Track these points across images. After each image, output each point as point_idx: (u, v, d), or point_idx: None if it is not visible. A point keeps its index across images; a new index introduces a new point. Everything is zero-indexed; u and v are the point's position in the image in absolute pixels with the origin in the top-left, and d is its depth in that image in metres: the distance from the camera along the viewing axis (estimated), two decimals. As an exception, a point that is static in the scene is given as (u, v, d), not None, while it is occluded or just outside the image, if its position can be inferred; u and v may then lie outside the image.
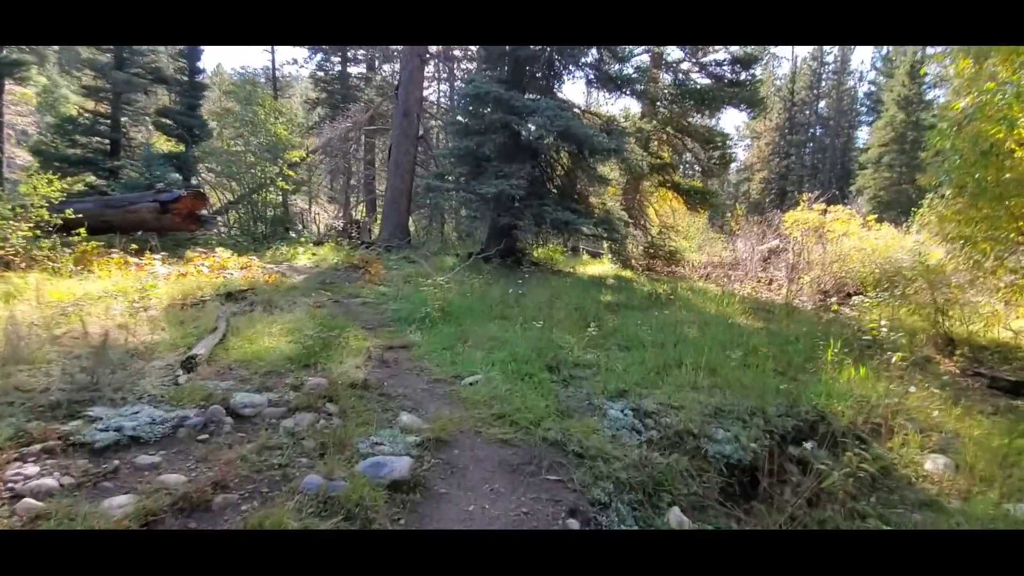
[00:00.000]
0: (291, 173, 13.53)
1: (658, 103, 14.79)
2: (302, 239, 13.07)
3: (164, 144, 19.60)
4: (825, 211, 13.59)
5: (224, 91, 17.62)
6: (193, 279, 6.76)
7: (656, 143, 15.01)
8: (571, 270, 13.64)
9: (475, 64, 20.12)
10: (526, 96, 11.78)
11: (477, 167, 11.69)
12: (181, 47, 19.44)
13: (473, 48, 20.88)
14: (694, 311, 8.36)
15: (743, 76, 13.98)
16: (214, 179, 15.09)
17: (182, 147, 17.70)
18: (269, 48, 22.03)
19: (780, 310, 9.67)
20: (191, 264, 8.57)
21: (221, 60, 38.46)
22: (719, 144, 13.93)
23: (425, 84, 25.22)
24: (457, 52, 20.83)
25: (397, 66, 19.59)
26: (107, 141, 17.52)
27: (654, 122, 13.89)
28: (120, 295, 5.67)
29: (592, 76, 13.29)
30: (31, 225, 6.72)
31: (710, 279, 15.60)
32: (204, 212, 10.73)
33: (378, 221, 15.93)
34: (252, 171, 13.02)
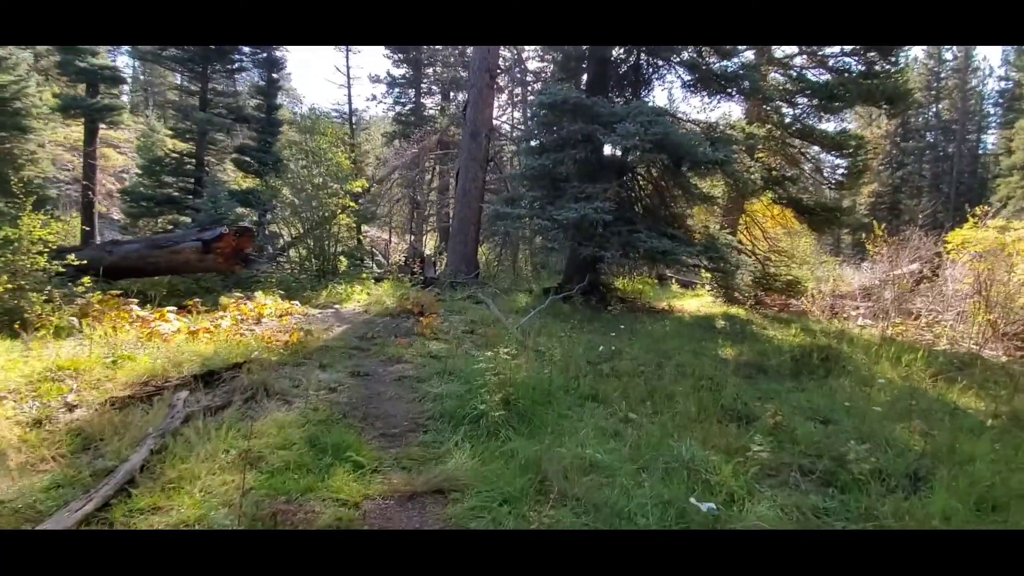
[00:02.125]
0: (353, 204, 12.11)
1: (767, 105, 12.06)
2: (364, 275, 11.54)
3: (242, 180, 19.35)
4: (1004, 228, 10.14)
5: (291, 125, 16.87)
6: (187, 345, 5.09)
7: (764, 153, 12.23)
8: (666, 307, 11.09)
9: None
10: (611, 102, 9.60)
11: (554, 189, 9.59)
12: (261, 85, 19.26)
13: (549, 66, 19.10)
14: (871, 380, 5.63)
15: (879, 66, 10.97)
16: (287, 215, 14.00)
17: (258, 182, 17.15)
18: (345, 83, 21.44)
19: (978, 368, 6.63)
20: (222, 313, 7.05)
21: (303, 94, 39.58)
22: (852, 150, 10.92)
23: (497, 111, 23.84)
24: (531, 71, 19.09)
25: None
26: (192, 180, 17.35)
27: (767, 127, 11.17)
28: (73, 374, 4.02)
29: (688, 77, 10.88)
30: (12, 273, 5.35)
31: (837, 315, 12.43)
32: (250, 250, 9.39)
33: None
34: (313, 203, 11.70)
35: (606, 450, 3.35)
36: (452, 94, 24.23)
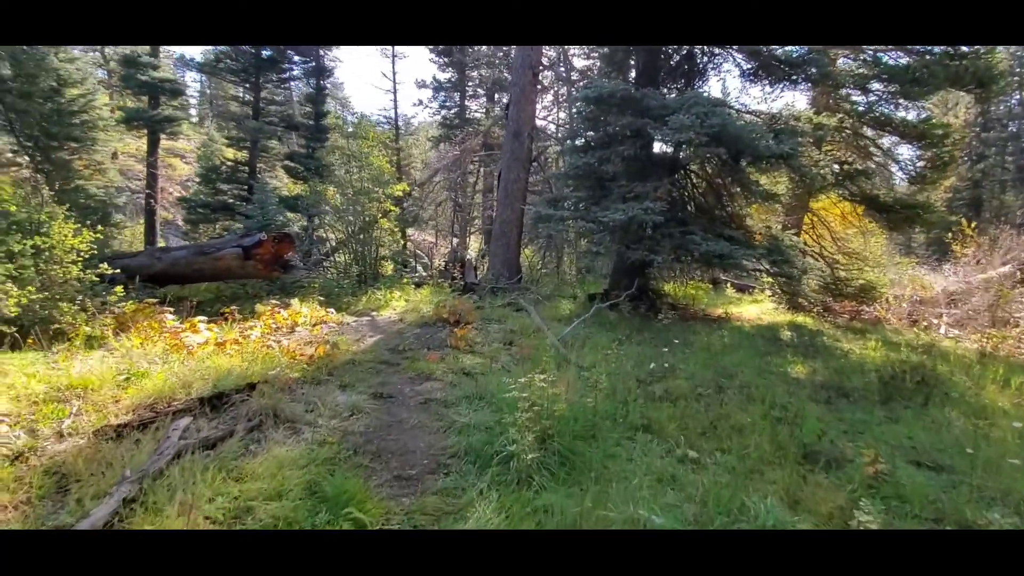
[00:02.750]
0: (393, 208, 11.82)
1: (837, 93, 10.86)
2: (404, 280, 11.22)
3: (292, 186, 19.60)
4: None
5: (336, 130, 16.84)
6: (210, 359, 4.76)
7: (832, 145, 11.03)
8: (722, 314, 10.14)
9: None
10: (661, 95, 8.80)
11: (599, 189, 8.89)
12: (311, 92, 19.47)
13: (596, 63, 18.32)
14: (983, 411, 4.66)
15: (966, 46, 9.60)
16: (332, 219, 13.90)
17: (306, 188, 17.27)
18: (392, 89, 21.40)
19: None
20: (255, 323, 6.80)
21: (352, 101, 40.17)
22: (937, 140, 9.62)
23: (542, 112, 23.20)
24: (576, 69, 18.36)
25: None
26: (245, 187, 17.69)
27: (838, 116, 10.03)
28: (82, 393, 3.74)
29: (748, 65, 9.92)
30: (44, 283, 5.20)
31: (916, 324, 11.08)
32: (290, 256, 9.19)
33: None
34: (354, 208, 11.47)
35: (663, 507, 2.68)
36: (497, 95, 23.79)
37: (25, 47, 7.63)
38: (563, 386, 3.61)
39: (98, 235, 5.73)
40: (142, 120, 16.70)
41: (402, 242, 18.30)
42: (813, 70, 9.25)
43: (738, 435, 3.87)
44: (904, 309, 11.59)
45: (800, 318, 9.88)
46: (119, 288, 5.99)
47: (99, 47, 29.12)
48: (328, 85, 27.62)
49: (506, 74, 22.50)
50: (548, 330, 7.11)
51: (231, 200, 17.54)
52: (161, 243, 19.81)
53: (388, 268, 14.92)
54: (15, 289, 4.72)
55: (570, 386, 3.92)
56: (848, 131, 10.79)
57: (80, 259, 5.69)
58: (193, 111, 40.58)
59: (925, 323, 10.99)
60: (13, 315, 4.68)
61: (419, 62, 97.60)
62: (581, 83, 19.36)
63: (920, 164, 10.64)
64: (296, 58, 18.51)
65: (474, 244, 21.34)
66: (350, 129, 12.51)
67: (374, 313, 8.49)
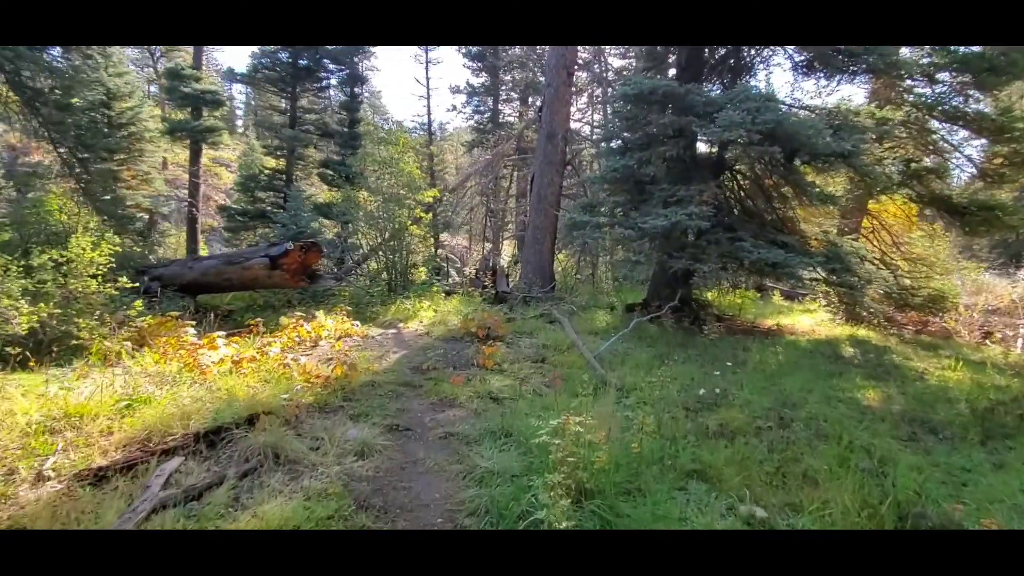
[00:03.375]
0: (424, 215, 11.47)
1: (898, 86, 9.86)
2: (435, 288, 10.82)
3: (328, 194, 19.61)
4: None
5: (367, 137, 16.65)
6: (222, 380, 4.42)
7: (894, 142, 10.01)
8: (773, 326, 9.30)
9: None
10: (708, 90, 8.10)
11: (638, 193, 8.24)
12: (345, 100, 19.47)
13: (633, 62, 17.60)
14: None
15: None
16: (363, 226, 13.66)
17: (338, 195, 17.21)
18: (425, 94, 21.22)
19: None
20: (279, 335, 6.49)
21: (388, 108, 40.30)
22: (1020, 134, 8.52)
23: (577, 114, 22.55)
24: (613, 68, 17.69)
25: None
26: (281, 194, 17.78)
27: (904, 110, 9.06)
28: (78, 421, 3.41)
29: (801, 57, 9.07)
30: (63, 298, 4.99)
31: (990, 337, 9.95)
32: (318, 266, 8.92)
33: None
34: (385, 214, 11.17)
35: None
36: (530, 99, 23.27)
37: (63, 60, 7.58)
38: (602, 432, 3.03)
39: (116, 248, 5.49)
40: (185, 131, 16.98)
41: (434, 248, 18.04)
42: (874, 59, 8.35)
43: (812, 486, 3.22)
44: (976, 321, 10.44)
45: (861, 331, 8.94)
46: (138, 303, 5.74)
47: (151, 64, 30.27)
48: (365, 94, 27.81)
49: (540, 77, 21.98)
50: (583, 346, 6.53)
51: (268, 208, 17.66)
52: (203, 250, 20.18)
53: (420, 274, 14.62)
54: (26, 307, 4.50)
55: (610, 428, 3.33)
56: (914, 126, 9.78)
57: (100, 272, 5.47)
58: (239, 122, 41.81)
59: (1000, 337, 9.86)
60: (24, 333, 4.45)
61: (453, 67, 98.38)
62: (617, 82, 18.65)
63: (996, 161, 9.52)
64: (332, 67, 18.51)
65: (507, 250, 20.89)
66: (381, 135, 12.22)
67: (401, 325, 8.09)
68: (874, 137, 8.63)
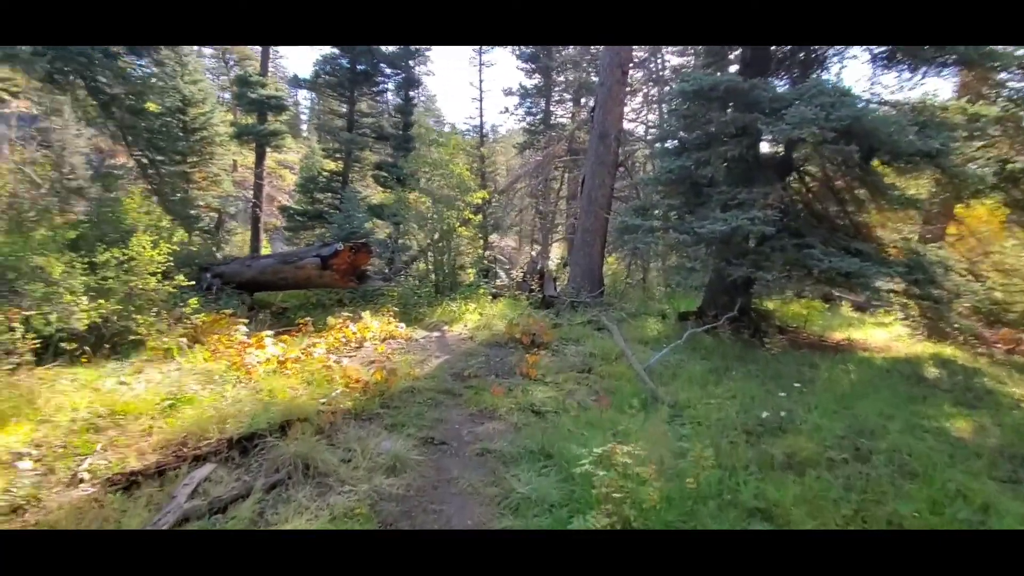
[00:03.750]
0: (473, 216, 11.35)
1: (991, 79, 8.82)
2: (481, 290, 10.67)
3: (381, 195, 19.94)
4: None
5: (419, 139, 16.78)
6: (266, 380, 4.40)
7: (986, 141, 8.95)
8: (843, 341, 8.53)
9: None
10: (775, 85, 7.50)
11: (695, 195, 7.74)
12: (400, 104, 19.74)
13: (692, 59, 16.87)
14: None
15: None
16: (413, 227, 13.73)
17: (392, 197, 17.44)
18: (478, 97, 21.21)
19: None
20: (325, 335, 6.50)
21: (440, 109, 40.55)
22: None
23: (631, 114, 21.91)
24: (670, 65, 17.02)
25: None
26: (338, 196, 18.23)
27: (998, 105, 8.08)
28: (123, 419, 3.43)
29: (879, 49, 8.25)
30: (124, 295, 5.14)
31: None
32: (366, 267, 8.95)
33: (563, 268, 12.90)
34: (433, 216, 11.14)
35: None
36: (583, 99, 22.83)
37: (136, 67, 7.97)
38: (653, 464, 2.70)
39: (174, 247, 5.62)
40: (251, 134, 17.72)
41: (482, 250, 17.94)
42: (967, 50, 7.46)
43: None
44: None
45: (946, 349, 8.03)
46: (193, 300, 5.86)
47: (226, 72, 31.99)
48: (420, 97, 28.21)
49: (593, 77, 21.53)
50: (633, 356, 6.15)
51: (325, 208, 18.16)
52: (266, 248, 21.03)
53: (469, 275, 14.54)
54: (85, 303, 4.65)
55: (662, 458, 2.99)
56: (1010, 123, 8.71)
57: (159, 270, 5.62)
58: (304, 127, 43.57)
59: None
60: (82, 329, 4.60)
61: (507, 69, 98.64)
62: (675, 80, 17.91)
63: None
64: (388, 71, 18.82)
65: (556, 252, 20.55)
66: (433, 136, 12.18)
67: (445, 328, 7.97)
68: (965, 135, 7.73)
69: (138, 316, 5.23)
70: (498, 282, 17.00)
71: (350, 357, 5.91)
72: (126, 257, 5.30)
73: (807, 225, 7.72)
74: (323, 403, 4.06)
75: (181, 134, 17.03)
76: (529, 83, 23.55)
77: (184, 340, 5.55)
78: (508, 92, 24.14)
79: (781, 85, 7.75)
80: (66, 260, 4.83)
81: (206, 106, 17.41)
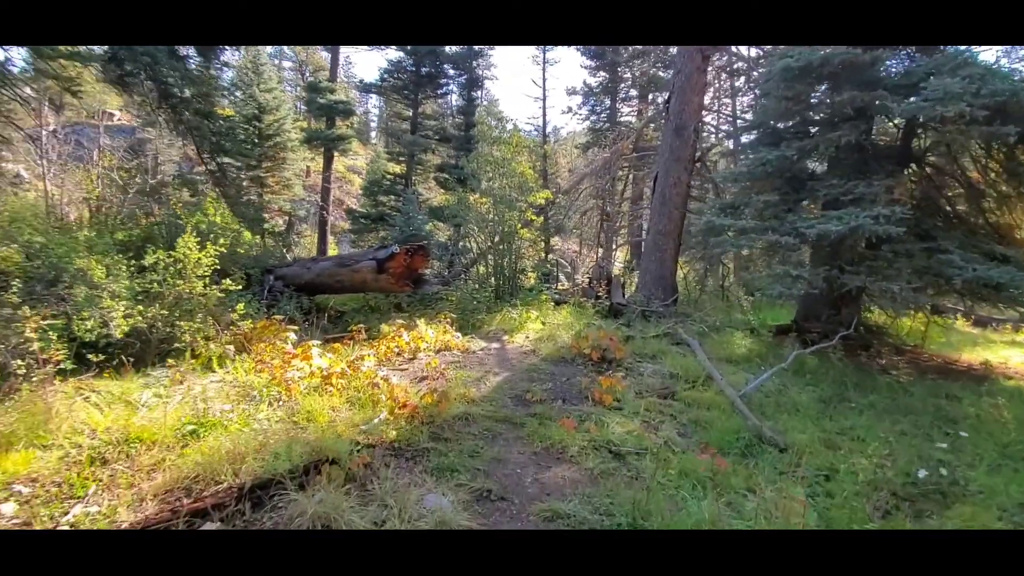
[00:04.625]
0: (535, 218, 10.58)
1: None
2: (543, 296, 9.87)
3: (443, 197, 19.62)
4: None
5: (482, 139, 16.17)
6: (306, 399, 3.83)
7: None
8: (979, 365, 6.99)
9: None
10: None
11: (794, 191, 6.55)
12: (463, 105, 19.35)
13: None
14: None
15: None
16: (474, 229, 13.14)
17: (452, 199, 17.04)
18: (540, 96, 20.46)
19: None
20: (377, 345, 5.96)
21: (502, 110, 39.86)
22: None
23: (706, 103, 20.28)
24: (747, 56, 15.50)
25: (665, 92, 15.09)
26: (400, 198, 18.09)
27: None
28: (136, 448, 2.92)
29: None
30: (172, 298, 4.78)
31: None
32: (423, 270, 8.39)
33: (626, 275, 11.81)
34: (494, 217, 10.47)
35: None
36: (651, 95, 21.50)
37: (200, 68, 7.84)
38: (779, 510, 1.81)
39: (220, 248, 5.23)
40: (319, 139, 17.92)
41: (544, 253, 17.12)
42: None
43: None
44: None
45: (1122, 380, 6.35)
46: (240, 306, 5.46)
47: (303, 82, 33.15)
48: (483, 100, 27.88)
49: (661, 72, 20.18)
50: (724, 381, 5.13)
51: (388, 211, 18.06)
52: (333, 251, 21.31)
53: (530, 279, 13.77)
54: (122, 309, 4.28)
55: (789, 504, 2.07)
56: None
57: (206, 273, 5.25)
58: (373, 132, 44.61)
59: None
60: (119, 336, 4.23)
61: (570, 68, 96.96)
62: (760, 63, 16.26)
63: None
64: (451, 72, 18.49)
65: (620, 257, 19.38)
66: (495, 134, 11.47)
67: (505, 337, 7.23)
68: None
69: (183, 323, 4.85)
70: (559, 285, 16.13)
71: (402, 370, 5.29)
72: (171, 259, 4.95)
73: (939, 226, 6.34)
74: (363, 430, 3.41)
75: (256, 140, 17.54)
76: (593, 81, 22.50)
77: (232, 348, 5.14)
78: (571, 91, 23.22)
79: (911, 59, 6.37)
80: (109, 263, 4.54)
81: (280, 112, 17.76)
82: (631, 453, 3.52)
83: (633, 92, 23.01)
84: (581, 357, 5.83)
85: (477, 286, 10.42)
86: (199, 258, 5.09)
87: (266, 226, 17.45)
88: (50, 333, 3.72)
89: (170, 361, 4.46)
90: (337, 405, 4.09)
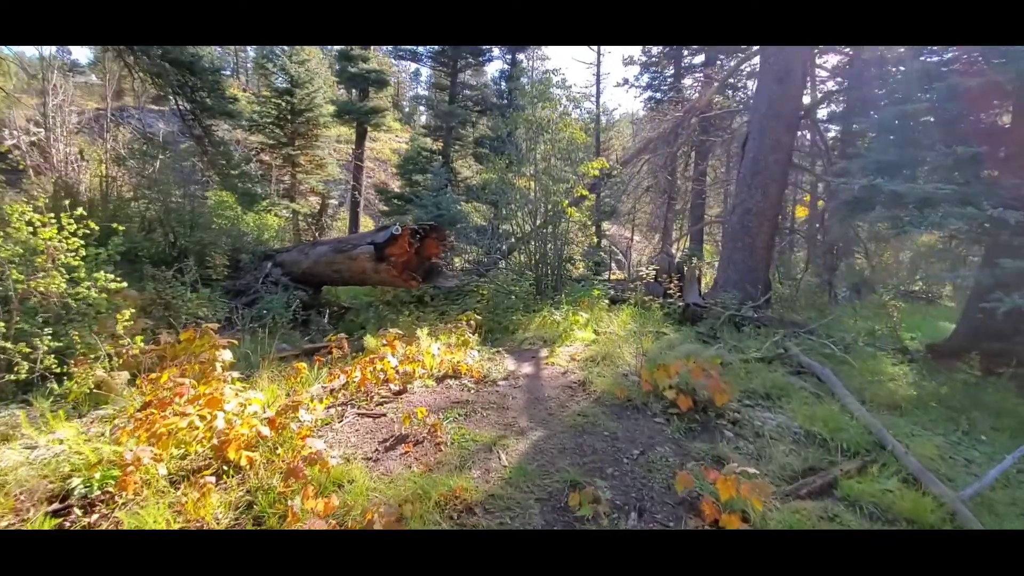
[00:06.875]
0: (586, 193, 8.37)
1: None
2: (596, 291, 7.72)
3: (483, 174, 17.59)
4: None
5: (524, 94, 13.92)
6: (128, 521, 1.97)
7: None
8: None
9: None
10: None
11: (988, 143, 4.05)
12: (505, 70, 17.14)
13: None
14: None
15: None
16: (513, 209, 10.97)
17: (489, 174, 14.99)
18: (595, 61, 17.96)
19: None
20: (351, 370, 4.04)
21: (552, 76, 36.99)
22: None
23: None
24: None
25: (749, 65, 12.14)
26: (431, 176, 16.29)
27: None
28: None
29: None
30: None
31: None
32: (437, 258, 6.40)
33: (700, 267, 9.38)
34: (538, 191, 8.36)
35: None
36: (719, 59, 18.43)
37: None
38: None
39: (78, 226, 3.39)
40: (351, 113, 16.25)
41: (596, 239, 14.81)
42: None
43: None
44: None
45: None
46: (125, 313, 3.62)
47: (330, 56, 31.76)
48: (531, 63, 25.37)
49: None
50: (907, 451, 2.87)
51: (422, 190, 16.26)
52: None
53: (579, 268, 11.55)
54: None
55: None
56: None
57: (77, 263, 3.44)
58: (423, 118, 42.91)
59: None
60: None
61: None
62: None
63: None
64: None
65: (681, 246, 16.74)
66: (531, 91, 9.21)
67: (543, 353, 5.14)
68: None
69: (42, 339, 3.07)
70: (611, 275, 13.81)
71: (374, 417, 3.35)
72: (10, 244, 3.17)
73: None
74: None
75: (289, 115, 16.13)
76: (654, 48, 19.61)
77: (125, 373, 3.36)
78: (628, 61, 20.47)
79: None
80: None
81: (313, 86, 16.26)
82: None
83: (697, 60, 19.93)
84: (658, 399, 3.67)
85: (516, 276, 8.37)
86: (51, 238, 3.26)
87: (295, 207, 16.10)
88: None
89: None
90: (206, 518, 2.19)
